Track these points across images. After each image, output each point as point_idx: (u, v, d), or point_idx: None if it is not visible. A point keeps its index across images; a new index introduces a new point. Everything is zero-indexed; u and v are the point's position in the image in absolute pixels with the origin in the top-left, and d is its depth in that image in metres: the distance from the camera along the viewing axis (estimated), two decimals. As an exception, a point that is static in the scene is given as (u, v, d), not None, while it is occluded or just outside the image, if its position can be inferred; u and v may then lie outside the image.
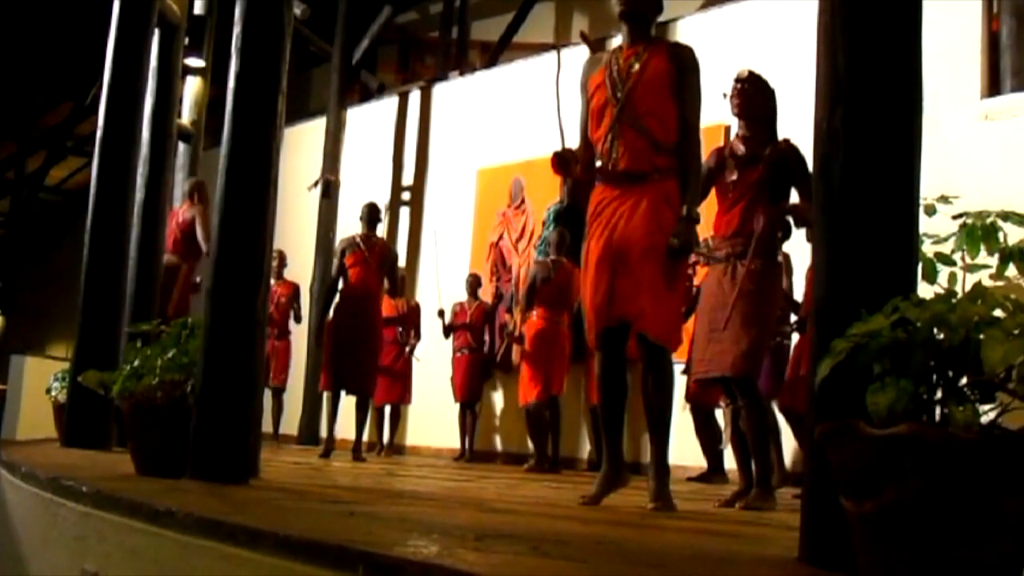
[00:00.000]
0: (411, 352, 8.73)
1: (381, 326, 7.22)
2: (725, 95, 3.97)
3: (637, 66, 3.38)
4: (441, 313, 8.49)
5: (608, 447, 3.42)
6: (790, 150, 3.88)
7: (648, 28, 3.49)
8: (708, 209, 4.09)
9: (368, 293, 6.95)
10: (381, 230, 10.50)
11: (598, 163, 3.44)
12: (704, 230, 4.72)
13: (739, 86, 3.96)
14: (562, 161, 3.45)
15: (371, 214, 7.24)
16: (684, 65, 3.38)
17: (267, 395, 8.28)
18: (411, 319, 8.69)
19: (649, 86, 3.35)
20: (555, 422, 7.27)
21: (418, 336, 8.78)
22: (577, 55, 9.48)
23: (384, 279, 7.10)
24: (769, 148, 3.88)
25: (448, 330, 8.53)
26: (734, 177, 3.89)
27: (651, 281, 3.23)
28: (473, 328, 8.45)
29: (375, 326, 7.03)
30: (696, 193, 3.34)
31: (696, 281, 5.66)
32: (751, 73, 4.00)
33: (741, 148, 3.94)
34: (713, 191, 3.99)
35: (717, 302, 3.80)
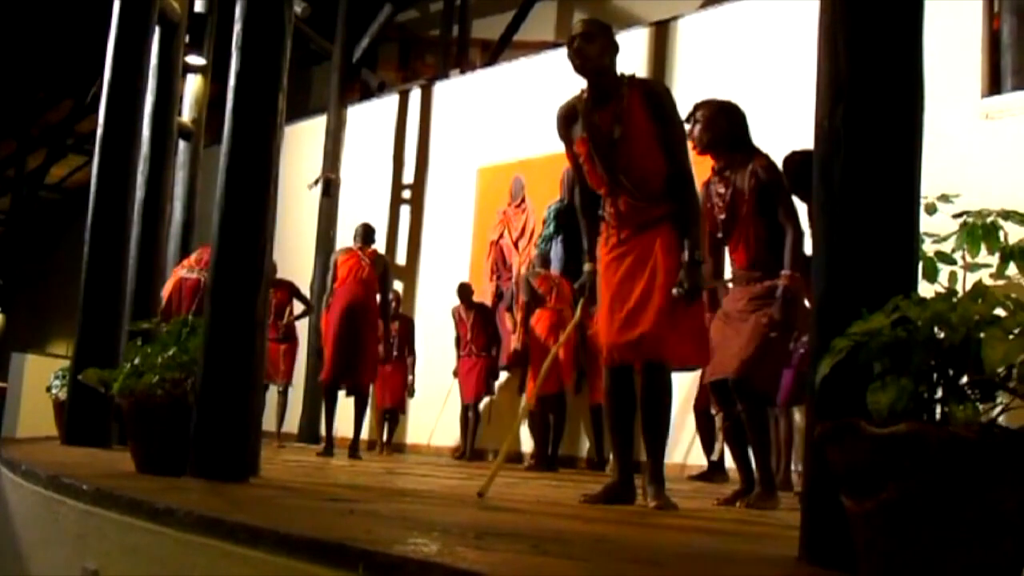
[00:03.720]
0: (410, 389, 8.79)
1: (377, 321, 7.20)
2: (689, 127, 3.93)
3: (618, 130, 3.33)
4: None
5: (619, 461, 3.43)
6: (766, 173, 3.84)
7: (612, 74, 3.38)
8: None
9: (362, 281, 6.94)
10: (381, 229, 10.58)
11: (604, 212, 3.45)
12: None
13: (692, 122, 3.90)
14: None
15: (365, 233, 7.28)
16: (663, 109, 3.35)
17: (273, 392, 8.34)
18: (404, 333, 8.69)
19: (635, 150, 3.34)
20: (559, 420, 7.28)
21: (412, 352, 8.80)
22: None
23: (377, 280, 7.08)
24: (749, 178, 3.84)
25: (457, 343, 8.59)
26: (723, 217, 3.89)
27: (672, 319, 3.27)
28: (475, 335, 8.47)
29: (370, 321, 7.01)
30: (697, 236, 3.33)
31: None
32: (697, 105, 3.96)
33: (721, 187, 3.91)
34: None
35: (733, 314, 3.84)
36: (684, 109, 3.45)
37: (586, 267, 3.57)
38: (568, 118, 3.49)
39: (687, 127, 3.85)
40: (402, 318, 8.80)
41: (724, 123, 3.91)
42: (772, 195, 3.83)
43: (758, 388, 3.81)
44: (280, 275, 8.63)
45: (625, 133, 3.32)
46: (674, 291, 3.24)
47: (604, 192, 3.43)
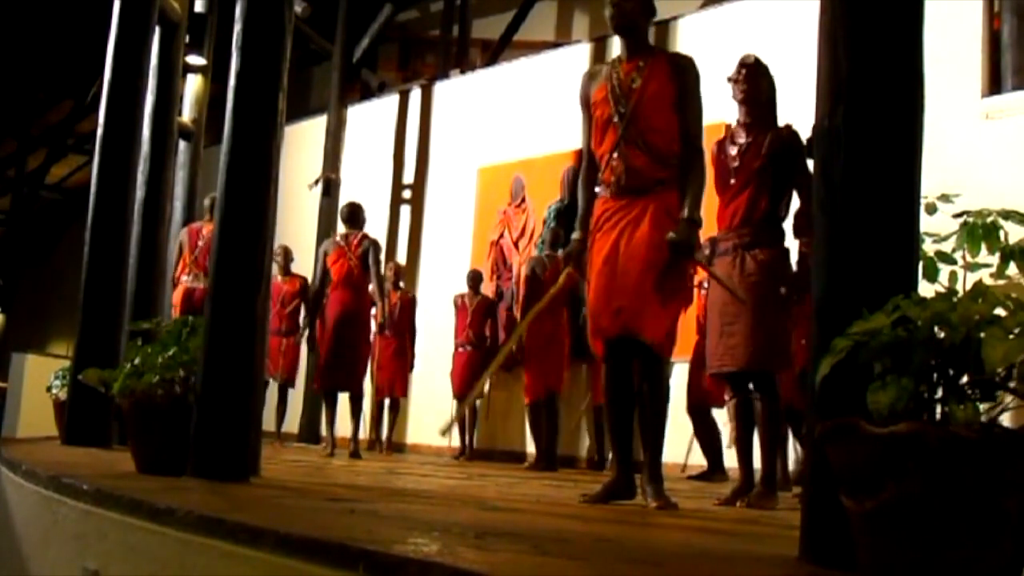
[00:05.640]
0: (410, 366, 8.76)
1: (368, 320, 7.18)
2: (730, 79, 3.97)
3: (639, 81, 3.37)
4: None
5: (618, 457, 3.43)
6: (791, 138, 3.88)
7: (644, 37, 3.48)
8: (708, 206, 4.09)
9: (352, 285, 6.94)
10: (382, 229, 10.58)
11: (602, 176, 3.45)
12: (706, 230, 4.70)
13: (744, 71, 3.95)
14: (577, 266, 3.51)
15: (351, 213, 7.22)
16: (685, 79, 3.38)
17: (273, 388, 8.35)
18: (405, 312, 8.67)
19: (651, 103, 3.35)
20: (552, 420, 7.27)
21: (413, 331, 8.77)
22: (577, 54, 9.51)
23: (367, 272, 7.04)
24: (770, 135, 3.87)
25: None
26: (736, 165, 3.89)
27: (653, 293, 3.25)
28: (473, 322, 8.44)
29: (361, 320, 7.01)
30: (698, 197, 3.31)
31: (696, 279, 5.65)
32: (756, 59, 4.00)
33: (742, 136, 3.93)
34: (712, 184, 3.97)
35: (728, 295, 3.77)
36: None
37: (575, 235, 3.54)
38: (593, 76, 3.54)
39: (734, 75, 3.93)
40: (404, 295, 8.76)
41: (769, 82, 3.98)
42: (790, 161, 3.84)
43: (775, 371, 3.79)
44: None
45: (644, 85, 3.36)
46: (668, 236, 3.22)
47: (607, 148, 3.41)
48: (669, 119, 3.37)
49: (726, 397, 5.89)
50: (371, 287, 7.06)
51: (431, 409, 9.47)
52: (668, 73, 3.38)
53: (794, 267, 4.04)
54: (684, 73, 3.38)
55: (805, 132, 3.77)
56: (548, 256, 7.45)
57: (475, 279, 8.65)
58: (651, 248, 3.26)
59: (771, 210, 3.86)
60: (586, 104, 3.53)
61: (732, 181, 3.90)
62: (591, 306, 3.39)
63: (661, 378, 3.34)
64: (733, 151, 3.92)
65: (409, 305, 8.73)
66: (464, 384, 8.37)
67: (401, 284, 8.84)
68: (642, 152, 3.34)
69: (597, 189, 3.49)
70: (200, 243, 7.24)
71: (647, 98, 3.35)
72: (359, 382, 7.05)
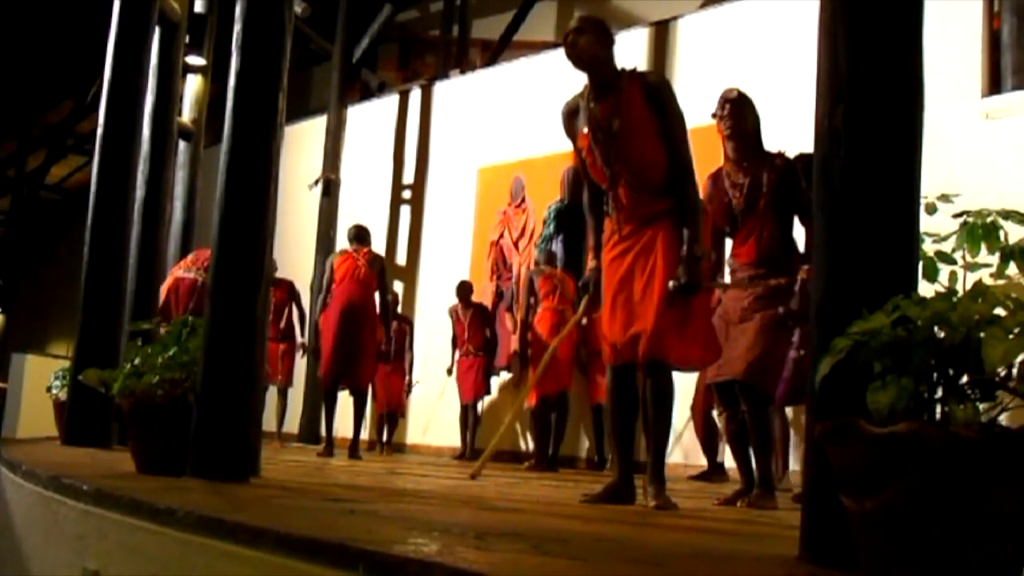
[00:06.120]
0: (409, 389, 8.79)
1: (375, 316, 7.18)
2: (714, 115, 3.95)
3: (617, 123, 3.33)
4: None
5: (619, 461, 3.42)
6: (786, 167, 3.88)
7: (610, 67, 3.40)
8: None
9: (359, 281, 6.92)
10: (381, 228, 10.58)
11: (609, 206, 3.46)
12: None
13: (729, 106, 3.90)
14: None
15: (358, 234, 7.25)
16: (662, 103, 3.34)
17: (273, 391, 8.37)
18: (402, 333, 8.70)
19: (634, 142, 3.34)
20: (561, 420, 7.28)
21: (411, 355, 8.84)
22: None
23: (375, 278, 7.04)
24: (767, 172, 3.87)
25: (454, 342, 8.59)
26: (741, 208, 3.90)
27: (672, 319, 3.27)
28: (472, 334, 8.45)
29: (368, 320, 7.00)
30: (695, 231, 3.30)
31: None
32: (739, 92, 3.97)
33: (740, 176, 3.92)
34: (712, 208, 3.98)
35: (735, 315, 3.85)
36: (684, 111, 3.44)
37: (590, 264, 3.57)
38: (572, 114, 3.51)
39: (718, 111, 3.89)
40: (401, 318, 8.81)
41: (754, 114, 3.95)
42: (791, 191, 3.84)
43: (763, 388, 3.82)
44: (280, 275, 8.63)
45: (624, 125, 3.33)
46: (670, 284, 3.23)
47: (606, 186, 3.43)
48: (655, 149, 3.35)
49: (715, 412, 5.92)
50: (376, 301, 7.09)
51: (431, 410, 9.47)
52: (644, 103, 3.34)
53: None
54: (659, 95, 3.35)
55: (804, 133, 3.78)
56: (547, 272, 7.55)
57: (463, 291, 8.58)
58: (667, 271, 3.28)
59: (782, 241, 3.90)
60: (573, 140, 3.51)
61: (740, 225, 3.92)
62: (607, 330, 3.40)
63: (665, 385, 3.34)
64: (736, 194, 3.92)
65: (406, 333, 8.78)
66: (470, 388, 8.38)
67: (399, 311, 8.88)
68: (639, 191, 3.36)
69: (606, 211, 3.50)
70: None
71: (630, 139, 3.34)
72: (365, 378, 7.02)
